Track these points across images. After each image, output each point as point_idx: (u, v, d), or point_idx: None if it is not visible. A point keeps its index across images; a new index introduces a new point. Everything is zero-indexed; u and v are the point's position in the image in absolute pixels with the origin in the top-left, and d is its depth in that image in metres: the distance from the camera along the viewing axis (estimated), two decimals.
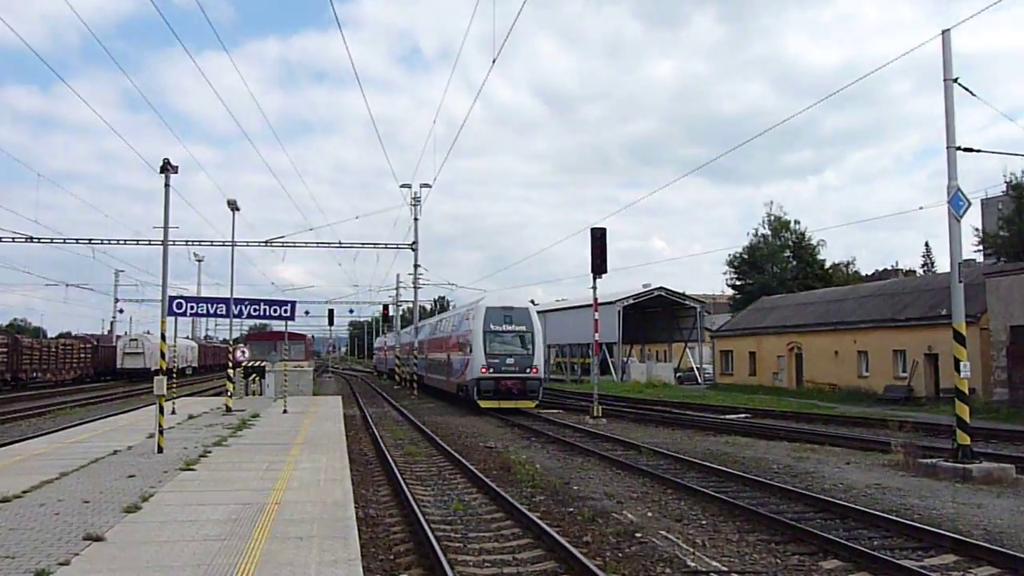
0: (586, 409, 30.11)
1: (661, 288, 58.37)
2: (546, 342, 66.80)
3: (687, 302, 59.32)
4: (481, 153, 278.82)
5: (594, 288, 28.41)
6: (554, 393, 45.55)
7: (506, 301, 32.94)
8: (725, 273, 72.36)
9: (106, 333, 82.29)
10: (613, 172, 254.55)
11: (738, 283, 71.18)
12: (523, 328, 31.73)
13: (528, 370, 31.26)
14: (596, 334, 29.46)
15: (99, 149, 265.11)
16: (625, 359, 62.70)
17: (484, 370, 30.82)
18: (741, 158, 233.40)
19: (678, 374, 58.81)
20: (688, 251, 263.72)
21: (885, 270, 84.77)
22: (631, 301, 56.65)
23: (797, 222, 70.96)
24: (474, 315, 32.57)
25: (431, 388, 43.06)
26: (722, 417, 28.45)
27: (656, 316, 63.94)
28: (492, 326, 31.56)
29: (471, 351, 31.83)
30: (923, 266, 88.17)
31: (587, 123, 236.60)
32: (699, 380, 56.59)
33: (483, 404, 30.76)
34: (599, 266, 27.35)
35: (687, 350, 63.05)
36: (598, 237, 27.33)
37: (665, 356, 74.59)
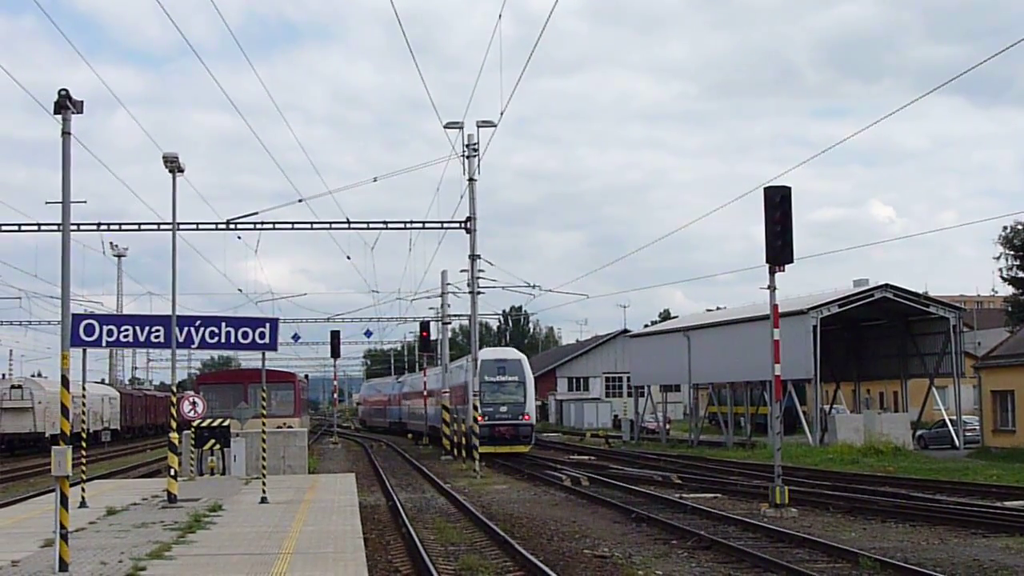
0: (761, 492, 30.34)
1: (887, 287, 57.35)
2: (690, 381, 68.02)
3: (932, 309, 58.27)
4: (578, 68, 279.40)
5: (771, 289, 28.30)
6: (707, 465, 45.51)
7: (499, 353, 58.52)
8: (999, 258, 71.92)
9: None
10: (800, 92, 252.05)
11: (1022, 275, 70.23)
12: (516, 378, 54.57)
13: (520, 417, 53.59)
14: (777, 365, 29.18)
15: None
16: (827, 407, 61.58)
17: (480, 418, 47.60)
18: None
19: (919, 432, 57.75)
20: (933, 223, 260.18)
21: None
22: (836, 309, 55.93)
23: None
24: (469, 367, 52.25)
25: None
26: (999, 505, 28.13)
27: (879, 334, 63.37)
28: (487, 377, 52.74)
29: (467, 401, 51.37)
30: None
31: (754, 11, 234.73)
32: (956, 442, 55.59)
33: (480, 450, 46.74)
34: (780, 252, 27.18)
35: (933, 390, 61.84)
36: (777, 203, 27.17)
37: (895, 401, 73.28)
